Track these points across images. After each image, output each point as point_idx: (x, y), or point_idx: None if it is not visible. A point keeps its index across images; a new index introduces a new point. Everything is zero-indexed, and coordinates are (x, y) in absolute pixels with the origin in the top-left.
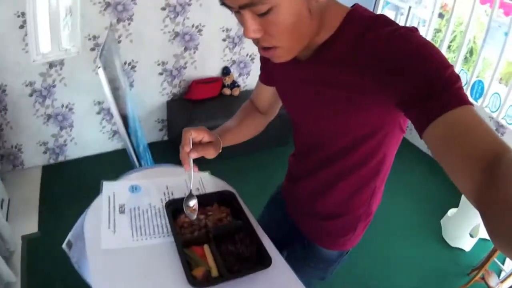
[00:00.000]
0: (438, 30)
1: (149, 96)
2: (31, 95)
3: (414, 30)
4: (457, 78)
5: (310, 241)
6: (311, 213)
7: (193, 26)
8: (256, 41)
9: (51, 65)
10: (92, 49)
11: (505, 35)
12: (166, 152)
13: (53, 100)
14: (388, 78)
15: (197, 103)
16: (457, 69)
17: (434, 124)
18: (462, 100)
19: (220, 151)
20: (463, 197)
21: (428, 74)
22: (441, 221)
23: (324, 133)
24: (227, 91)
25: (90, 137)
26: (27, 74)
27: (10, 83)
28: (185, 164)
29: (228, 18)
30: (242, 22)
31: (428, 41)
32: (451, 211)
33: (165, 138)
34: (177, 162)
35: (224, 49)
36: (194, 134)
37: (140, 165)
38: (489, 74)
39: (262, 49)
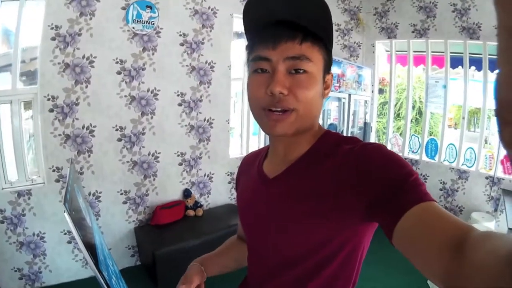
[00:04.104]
0: (384, 103)
1: (117, 224)
2: (2, 222)
3: (384, 146)
4: (422, 182)
5: None
6: None
7: (149, 154)
8: (276, 100)
9: (19, 194)
10: (57, 181)
11: (444, 87)
12: (139, 276)
13: (24, 228)
14: (361, 182)
15: (164, 227)
16: (408, 135)
17: (403, 218)
18: (427, 197)
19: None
20: None
21: (397, 178)
22: (428, 281)
23: (293, 251)
24: (191, 213)
25: (64, 265)
26: None
27: None
28: None
29: (182, 143)
30: (273, 76)
31: (397, 154)
32: None
33: (138, 263)
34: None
35: (181, 172)
36: None
37: None
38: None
39: (279, 112)
